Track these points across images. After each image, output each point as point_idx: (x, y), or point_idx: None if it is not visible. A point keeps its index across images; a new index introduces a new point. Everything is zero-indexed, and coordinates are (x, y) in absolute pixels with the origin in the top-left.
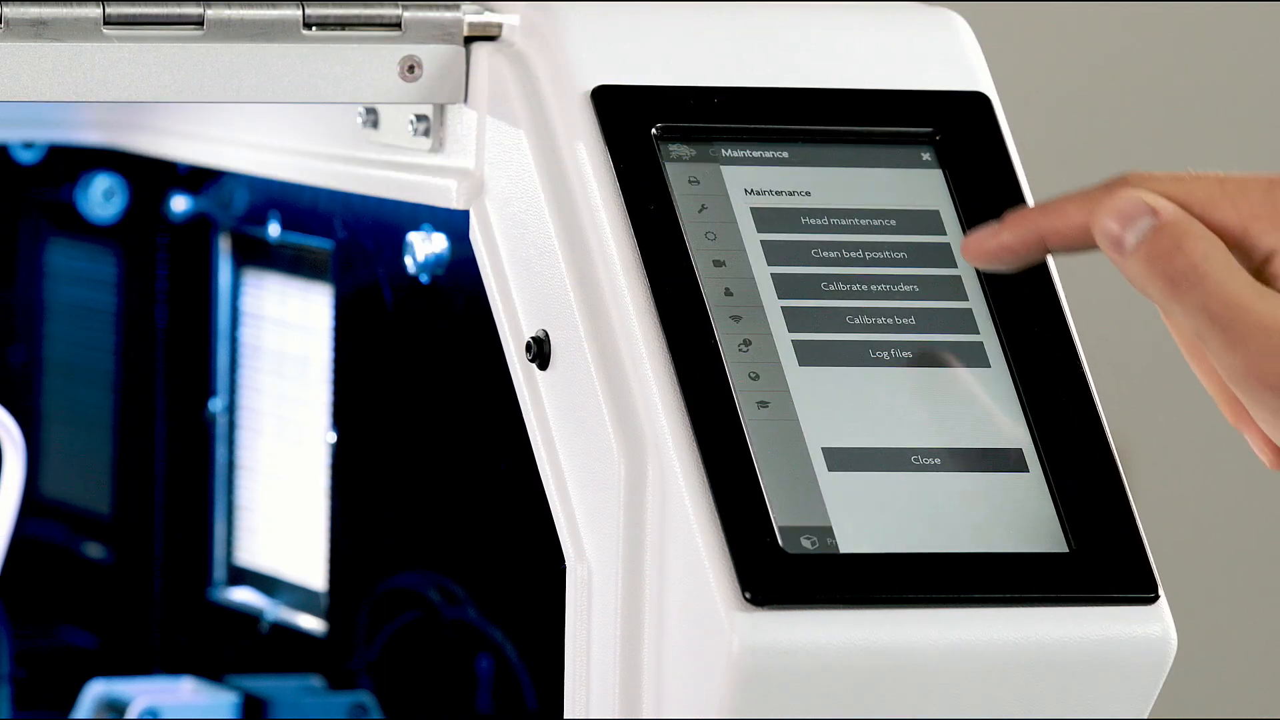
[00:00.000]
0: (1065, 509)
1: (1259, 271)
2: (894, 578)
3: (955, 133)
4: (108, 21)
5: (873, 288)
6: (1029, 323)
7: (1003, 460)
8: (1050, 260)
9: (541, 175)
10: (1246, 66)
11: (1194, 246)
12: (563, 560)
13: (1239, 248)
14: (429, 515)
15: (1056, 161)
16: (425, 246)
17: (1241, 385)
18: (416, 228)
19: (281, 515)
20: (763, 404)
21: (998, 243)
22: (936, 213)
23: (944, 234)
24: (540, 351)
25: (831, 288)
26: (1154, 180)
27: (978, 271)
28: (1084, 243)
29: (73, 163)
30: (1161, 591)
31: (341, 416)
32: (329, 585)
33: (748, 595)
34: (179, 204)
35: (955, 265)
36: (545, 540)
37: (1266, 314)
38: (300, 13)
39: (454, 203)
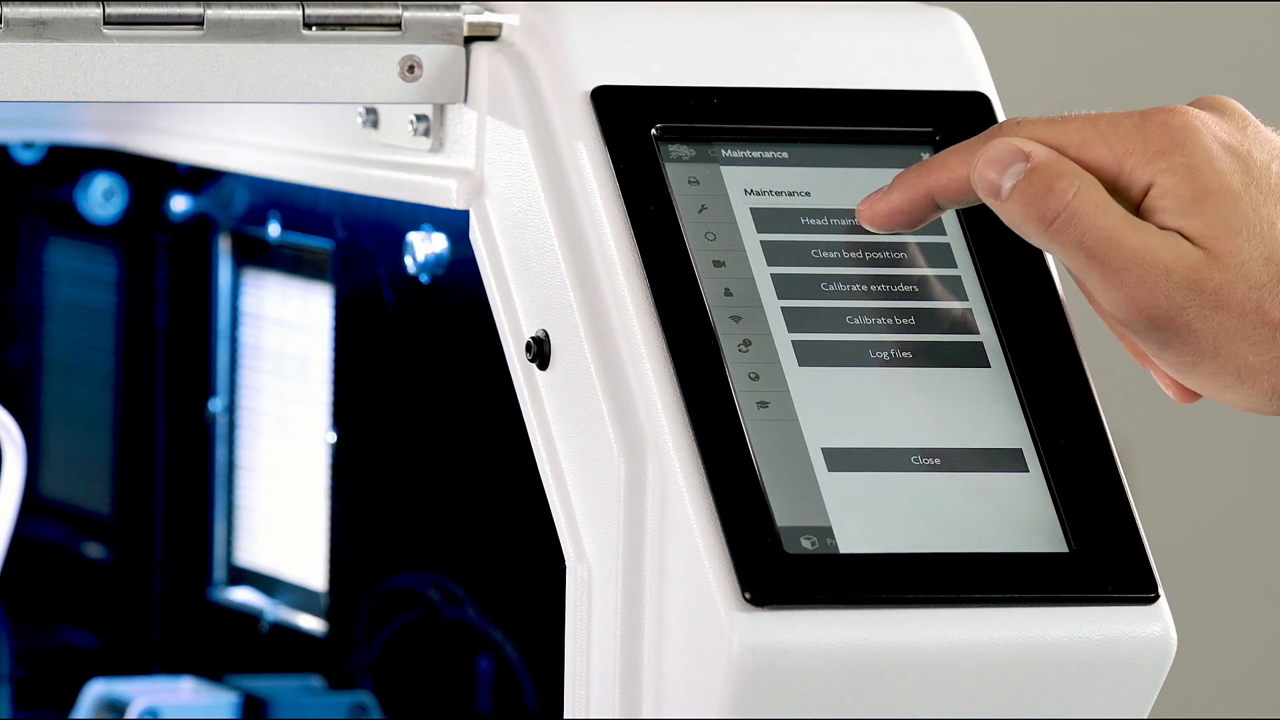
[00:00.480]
0: (1065, 509)
1: (1137, 206)
2: (894, 578)
3: (955, 133)
4: (108, 21)
5: (873, 288)
6: (1029, 323)
7: (1003, 460)
8: (1050, 260)
9: (541, 175)
10: (1246, 66)
11: (1066, 186)
12: (563, 560)
13: (1115, 185)
14: (429, 515)
15: None
16: (425, 246)
17: (1125, 319)
18: (416, 228)
19: (281, 515)
20: (763, 404)
21: (888, 205)
22: None
23: (944, 234)
24: (540, 351)
25: (831, 288)
26: (1029, 125)
27: (978, 271)
28: (969, 195)
29: (73, 163)
30: (1161, 591)
31: (341, 416)
32: (329, 585)
33: (748, 595)
34: (179, 204)
35: (955, 265)
36: (545, 540)
37: (1141, 246)
38: (300, 13)
39: (454, 203)
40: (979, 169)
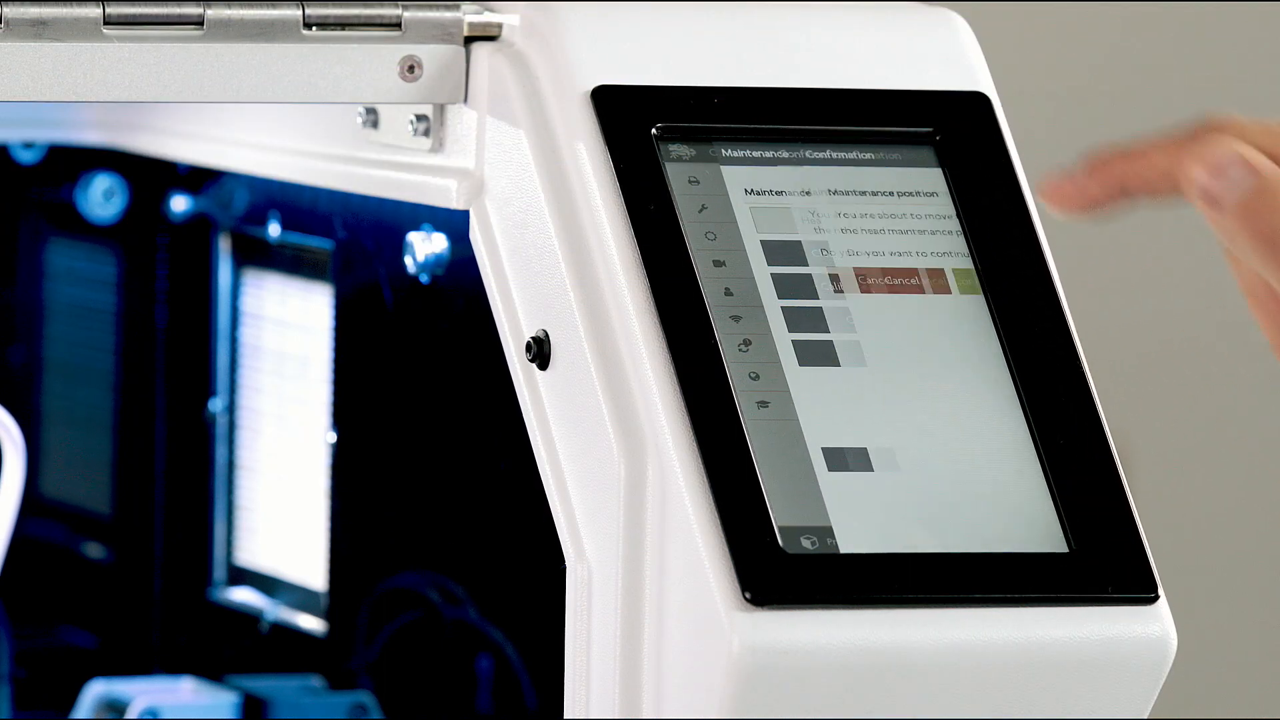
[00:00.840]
0: (1065, 509)
1: None
2: (894, 578)
3: (955, 133)
4: (108, 21)
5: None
6: (1029, 324)
7: (1003, 460)
8: (1049, 260)
9: (541, 175)
10: (1246, 66)
11: None
12: (563, 560)
13: None
14: (429, 515)
15: (1056, 161)
16: (425, 246)
17: None
18: (416, 228)
19: (281, 515)
20: (763, 404)
21: (1078, 190)
22: None
23: (944, 233)
24: (540, 351)
25: (831, 288)
26: (1241, 128)
27: (978, 271)
28: (1167, 190)
29: (73, 163)
30: (1161, 591)
31: (341, 416)
32: (329, 585)
33: (748, 595)
34: (179, 204)
35: (955, 265)
36: (545, 540)
37: None
38: (300, 13)
39: (454, 203)
40: (1193, 170)
